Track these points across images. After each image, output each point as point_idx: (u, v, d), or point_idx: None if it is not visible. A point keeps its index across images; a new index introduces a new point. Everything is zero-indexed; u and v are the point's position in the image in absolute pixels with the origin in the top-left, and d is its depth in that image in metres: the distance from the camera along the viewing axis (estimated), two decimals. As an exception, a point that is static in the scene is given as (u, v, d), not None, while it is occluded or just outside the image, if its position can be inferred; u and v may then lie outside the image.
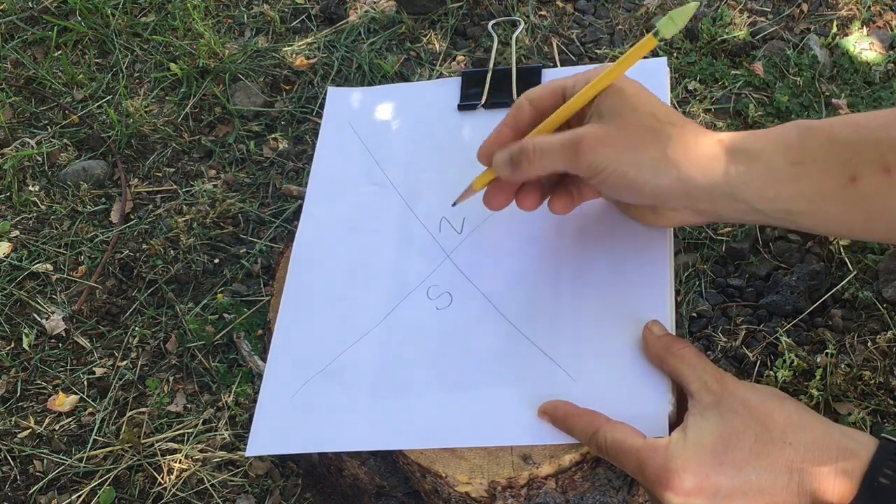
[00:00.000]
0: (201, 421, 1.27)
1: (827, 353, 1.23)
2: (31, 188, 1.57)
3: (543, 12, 1.79)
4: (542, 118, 0.66)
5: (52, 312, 1.40)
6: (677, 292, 1.34)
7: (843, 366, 1.22)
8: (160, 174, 1.59)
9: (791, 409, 0.58)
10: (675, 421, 0.63)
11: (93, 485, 1.22)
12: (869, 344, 1.25)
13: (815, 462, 0.55)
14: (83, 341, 1.38)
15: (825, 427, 0.57)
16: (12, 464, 1.25)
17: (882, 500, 0.53)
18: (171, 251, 1.46)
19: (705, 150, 0.60)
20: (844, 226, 0.60)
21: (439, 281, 0.74)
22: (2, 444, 1.27)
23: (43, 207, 1.54)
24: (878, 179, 0.56)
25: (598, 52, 1.70)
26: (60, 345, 1.38)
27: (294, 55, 1.74)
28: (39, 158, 1.61)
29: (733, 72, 1.63)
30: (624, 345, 0.66)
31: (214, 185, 1.55)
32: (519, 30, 1.09)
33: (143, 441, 1.25)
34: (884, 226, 0.59)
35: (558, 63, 1.66)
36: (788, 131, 0.60)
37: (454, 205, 0.74)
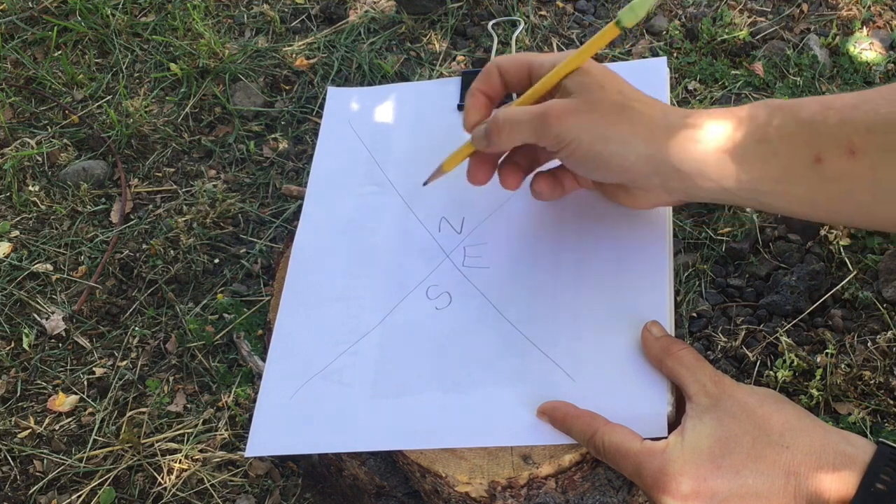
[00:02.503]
0: (201, 421, 1.27)
1: (827, 353, 1.23)
2: (31, 188, 1.57)
3: (543, 12, 1.79)
4: (508, 86, 0.68)
5: (52, 312, 1.40)
6: (677, 292, 1.34)
7: (843, 366, 1.22)
8: (160, 174, 1.59)
9: (789, 412, 0.58)
10: (674, 421, 0.63)
11: (93, 485, 1.22)
12: (869, 344, 1.25)
13: (812, 466, 0.55)
14: (83, 341, 1.38)
15: (823, 431, 0.57)
16: (12, 464, 1.25)
17: None
18: (171, 251, 1.46)
19: (673, 126, 0.60)
20: (810, 207, 0.60)
21: (439, 281, 0.74)
22: (2, 444, 1.27)
23: (43, 207, 1.54)
24: (843, 161, 0.56)
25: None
26: (60, 345, 1.38)
27: (294, 55, 1.74)
28: (39, 158, 1.61)
29: (733, 72, 1.63)
30: (623, 345, 0.66)
31: (214, 185, 1.55)
32: (519, 30, 1.10)
33: (143, 441, 1.25)
34: (848, 209, 0.59)
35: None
36: (757, 109, 0.60)
37: (425, 184, 0.75)
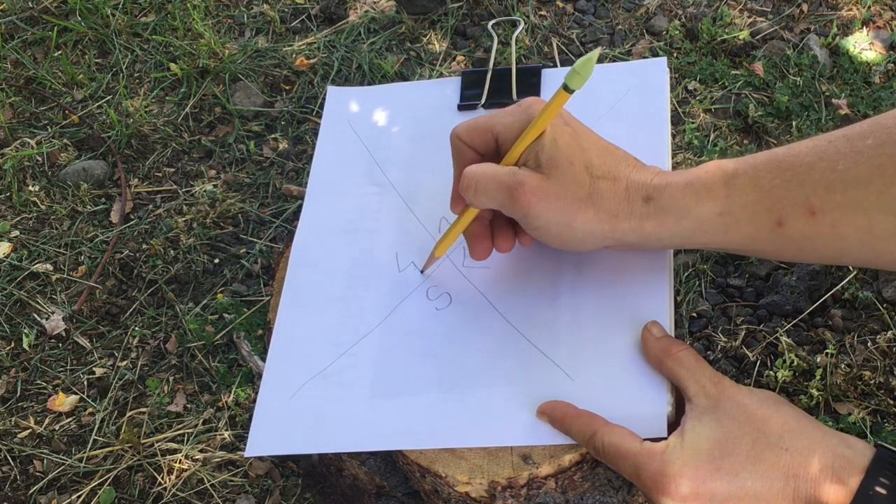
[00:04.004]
0: (201, 421, 1.27)
1: (827, 353, 1.23)
2: (31, 188, 1.57)
3: (543, 12, 1.79)
4: (479, 155, 0.67)
5: (52, 312, 1.40)
6: (677, 292, 1.34)
7: (843, 366, 1.22)
8: (160, 174, 1.59)
9: (788, 414, 0.58)
10: (674, 422, 0.63)
11: (93, 485, 1.22)
12: (869, 344, 1.25)
13: (811, 468, 0.55)
14: (83, 341, 1.38)
15: (822, 433, 0.57)
16: (12, 464, 1.25)
17: None
18: (171, 251, 1.46)
19: (635, 209, 0.62)
20: (777, 258, 0.64)
21: (439, 281, 0.74)
22: (2, 444, 1.27)
23: (43, 207, 1.54)
24: (804, 222, 0.58)
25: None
26: (60, 345, 1.38)
27: (294, 55, 1.74)
28: (39, 158, 1.61)
29: (733, 72, 1.63)
30: (623, 345, 0.66)
31: (214, 185, 1.55)
32: (519, 30, 1.09)
33: (143, 441, 1.25)
34: (814, 259, 0.61)
35: (558, 63, 1.66)
36: (713, 178, 0.61)
37: (422, 272, 0.75)
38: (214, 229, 1.50)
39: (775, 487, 0.56)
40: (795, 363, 1.22)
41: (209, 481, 1.21)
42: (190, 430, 1.26)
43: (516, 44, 1.68)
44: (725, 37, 1.67)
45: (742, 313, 1.33)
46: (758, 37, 1.70)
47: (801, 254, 0.61)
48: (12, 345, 1.38)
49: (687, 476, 0.56)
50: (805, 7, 1.75)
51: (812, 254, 0.60)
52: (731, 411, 0.58)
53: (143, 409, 1.29)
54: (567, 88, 0.60)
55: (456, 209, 0.69)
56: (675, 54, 1.67)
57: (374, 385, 0.69)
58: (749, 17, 1.73)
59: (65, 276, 1.45)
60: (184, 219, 1.50)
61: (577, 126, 0.65)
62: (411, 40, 1.76)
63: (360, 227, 0.79)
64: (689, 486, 0.56)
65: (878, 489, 0.53)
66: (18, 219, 1.54)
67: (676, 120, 1.56)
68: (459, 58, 1.72)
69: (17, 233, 1.52)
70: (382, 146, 0.84)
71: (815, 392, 1.20)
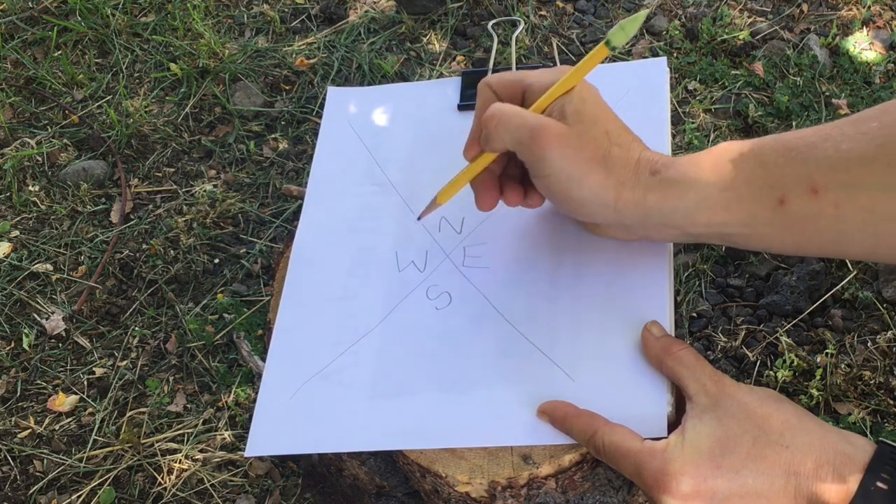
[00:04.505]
0: (201, 421, 1.27)
1: (827, 353, 1.23)
2: (31, 188, 1.57)
3: (543, 12, 1.79)
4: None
5: (52, 312, 1.40)
6: (677, 292, 1.34)
7: (843, 366, 1.22)
8: (160, 174, 1.59)
9: (789, 412, 0.58)
10: (674, 421, 0.63)
11: (93, 485, 1.22)
12: (869, 344, 1.25)
13: (812, 466, 0.55)
14: (83, 341, 1.38)
15: (823, 430, 0.57)
16: (12, 464, 1.25)
17: None
18: (171, 251, 1.46)
19: (641, 180, 0.62)
20: (778, 245, 0.62)
21: (438, 281, 0.74)
22: (2, 444, 1.27)
23: (43, 207, 1.54)
24: (806, 200, 0.58)
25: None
26: (60, 345, 1.38)
27: (294, 55, 1.74)
28: (39, 158, 1.61)
29: (733, 72, 1.63)
30: (623, 345, 0.66)
31: (214, 185, 1.55)
32: (519, 30, 1.10)
33: (143, 441, 1.25)
34: (815, 245, 0.60)
35: (558, 63, 1.66)
36: (720, 156, 0.61)
37: (419, 219, 0.75)
38: (214, 229, 1.50)
39: (776, 485, 0.56)
40: (795, 363, 1.22)
41: (209, 481, 1.21)
42: (190, 430, 1.26)
43: (516, 44, 1.68)
44: (725, 37, 1.67)
45: (742, 313, 1.33)
46: (758, 37, 1.70)
47: (800, 237, 0.60)
48: (12, 345, 1.38)
49: (688, 474, 0.56)
50: (805, 7, 1.75)
51: (812, 238, 0.59)
52: (731, 409, 0.58)
53: (143, 409, 1.29)
54: (608, 44, 0.61)
55: (469, 154, 0.68)
56: (675, 54, 1.67)
57: (374, 385, 0.69)
58: (749, 17, 1.73)
59: (65, 276, 1.45)
60: (184, 219, 1.50)
61: (600, 97, 0.65)
62: (411, 40, 1.76)
63: (360, 227, 0.79)
64: (690, 485, 0.56)
65: (880, 484, 0.53)
66: (18, 219, 1.54)
67: (676, 120, 1.56)
68: (459, 58, 1.72)
69: (17, 233, 1.52)
70: (382, 146, 0.84)
71: (815, 392, 1.20)
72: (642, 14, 0.59)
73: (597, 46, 0.62)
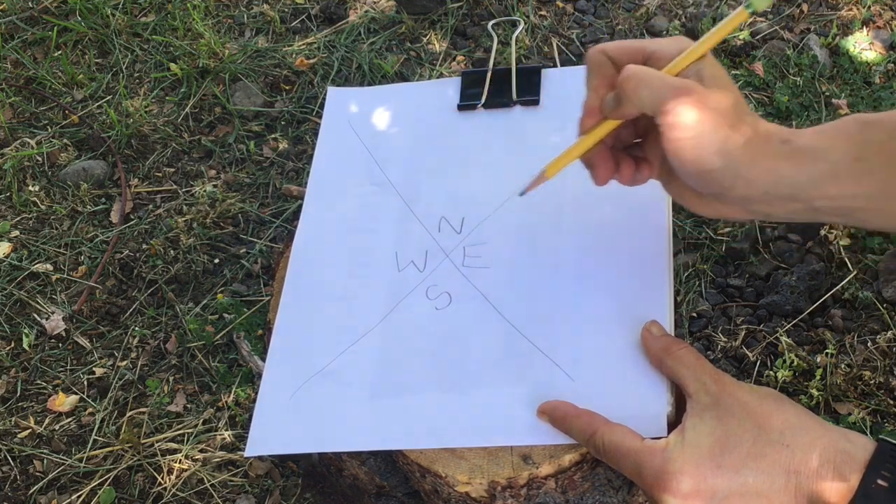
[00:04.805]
0: (201, 421, 1.27)
1: (827, 353, 1.23)
2: (31, 188, 1.57)
3: (543, 12, 1.79)
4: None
5: (52, 312, 1.40)
6: (677, 292, 1.34)
7: (843, 366, 1.22)
8: (160, 174, 1.59)
9: (789, 411, 0.58)
10: (674, 421, 0.63)
11: (93, 485, 1.22)
12: (869, 344, 1.25)
13: (813, 464, 0.55)
14: (83, 341, 1.38)
15: (823, 429, 0.57)
16: (12, 464, 1.25)
17: (879, 502, 0.53)
18: (171, 251, 1.46)
19: (774, 148, 0.59)
20: None
21: (438, 281, 0.74)
22: (2, 444, 1.27)
23: (43, 207, 1.54)
24: None
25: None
26: (60, 345, 1.38)
27: (294, 55, 1.74)
28: (39, 158, 1.61)
29: (733, 72, 1.63)
30: (623, 345, 0.66)
31: (214, 185, 1.55)
32: (519, 30, 1.10)
33: (143, 441, 1.25)
34: None
35: (558, 63, 1.66)
36: (849, 126, 0.59)
37: (522, 194, 0.70)
38: (214, 229, 1.50)
39: (777, 483, 0.56)
40: (795, 363, 1.22)
41: (209, 481, 1.21)
42: (190, 430, 1.26)
43: (516, 44, 1.68)
44: (725, 37, 1.67)
45: (742, 313, 1.33)
46: (758, 37, 1.70)
47: None
48: (12, 345, 1.38)
49: (688, 473, 0.56)
50: (805, 7, 1.75)
51: None
52: (732, 408, 0.58)
53: (143, 409, 1.29)
54: (749, 6, 0.59)
55: (589, 123, 0.64)
56: (675, 54, 1.67)
57: (374, 385, 0.69)
58: (749, 17, 1.73)
59: (65, 276, 1.45)
60: (184, 219, 1.50)
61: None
62: (411, 40, 1.76)
63: (360, 227, 0.79)
64: (690, 483, 0.56)
65: (881, 482, 0.53)
66: (18, 219, 1.54)
67: (676, 120, 1.56)
68: (459, 58, 1.72)
69: (17, 233, 1.52)
70: (382, 146, 0.84)
71: (815, 392, 1.20)
72: None
73: (735, 11, 0.59)
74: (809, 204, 0.59)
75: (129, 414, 1.28)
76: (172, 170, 1.60)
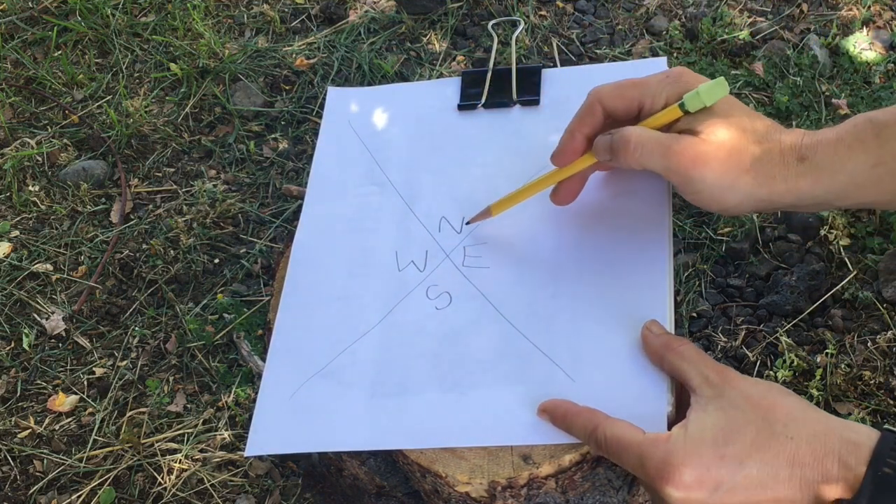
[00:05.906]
0: (201, 421, 1.27)
1: (827, 353, 1.23)
2: (31, 188, 1.57)
3: (543, 12, 1.79)
4: (610, 120, 0.67)
5: (52, 312, 1.40)
6: (677, 292, 1.34)
7: (843, 366, 1.22)
8: (160, 174, 1.59)
9: (792, 402, 0.58)
10: (674, 421, 0.63)
11: (93, 485, 1.22)
12: (869, 344, 1.26)
13: (817, 455, 0.55)
14: (83, 341, 1.38)
15: (826, 420, 0.57)
16: (12, 464, 1.25)
17: (887, 490, 0.53)
18: (171, 251, 1.46)
19: (791, 169, 0.62)
20: None
21: (438, 281, 0.74)
22: (2, 444, 1.27)
23: (43, 207, 1.54)
24: None
25: (598, 51, 1.70)
26: (60, 345, 1.38)
27: (294, 55, 1.74)
28: (39, 158, 1.61)
29: (733, 72, 1.63)
30: (623, 345, 0.66)
31: (214, 185, 1.55)
32: (519, 30, 1.09)
33: (143, 441, 1.25)
34: None
35: (558, 63, 1.66)
36: (863, 131, 0.61)
37: (468, 223, 0.75)
38: (214, 229, 1.50)
39: (781, 475, 0.56)
40: (795, 363, 1.22)
41: (209, 481, 1.21)
42: (190, 430, 1.26)
43: (516, 44, 1.68)
44: (725, 37, 1.67)
45: (742, 313, 1.33)
46: (758, 37, 1.70)
47: None
48: (12, 345, 1.38)
49: (691, 464, 0.56)
50: (805, 7, 1.75)
51: None
52: (735, 400, 0.58)
53: (143, 409, 1.29)
54: (683, 105, 0.63)
55: (562, 161, 0.68)
56: (675, 54, 1.67)
57: (374, 384, 0.69)
58: (749, 17, 1.73)
59: (65, 276, 1.45)
60: (184, 219, 1.50)
61: (725, 92, 0.66)
62: (411, 40, 1.76)
63: (360, 227, 0.79)
64: (693, 475, 0.56)
65: (887, 470, 0.53)
66: (18, 219, 1.54)
67: (676, 120, 1.56)
68: (459, 58, 1.72)
69: (17, 233, 1.52)
70: (382, 146, 0.84)
71: (815, 392, 1.20)
72: (724, 87, 0.63)
73: (668, 108, 0.63)
74: (832, 205, 0.64)
75: (129, 414, 1.29)
76: (172, 170, 1.60)
